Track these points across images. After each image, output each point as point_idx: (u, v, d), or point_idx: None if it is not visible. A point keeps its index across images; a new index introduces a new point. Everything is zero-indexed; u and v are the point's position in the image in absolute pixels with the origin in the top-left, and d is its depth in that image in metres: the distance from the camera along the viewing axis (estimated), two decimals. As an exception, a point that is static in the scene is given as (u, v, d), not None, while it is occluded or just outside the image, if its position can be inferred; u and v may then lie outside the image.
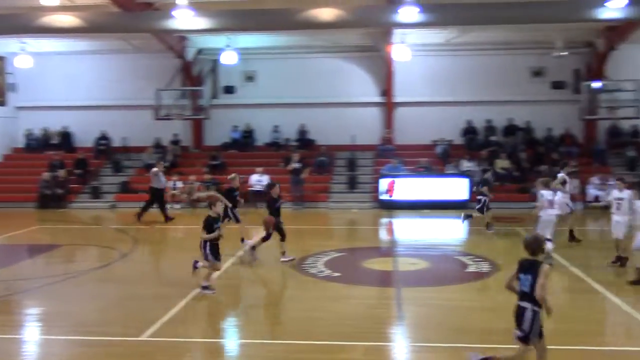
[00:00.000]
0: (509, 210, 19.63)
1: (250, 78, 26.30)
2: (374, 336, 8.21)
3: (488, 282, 11.19)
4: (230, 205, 13.83)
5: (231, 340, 8.64)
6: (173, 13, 19.50)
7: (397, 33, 23.00)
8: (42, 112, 26.61)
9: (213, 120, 25.81)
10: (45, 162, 24.71)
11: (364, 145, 25.01)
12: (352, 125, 25.16)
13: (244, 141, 25.98)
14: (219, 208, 10.48)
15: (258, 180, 22.30)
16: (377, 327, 8.67)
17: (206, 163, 24.56)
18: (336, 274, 11.66)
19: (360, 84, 25.81)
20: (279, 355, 7.66)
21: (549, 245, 12.42)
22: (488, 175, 17.97)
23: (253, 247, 12.64)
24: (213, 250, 10.12)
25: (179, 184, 22.92)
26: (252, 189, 21.88)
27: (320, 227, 18.87)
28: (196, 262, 10.49)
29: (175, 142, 25.94)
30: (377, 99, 25.73)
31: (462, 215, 17.03)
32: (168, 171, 22.18)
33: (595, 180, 21.90)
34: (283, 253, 12.53)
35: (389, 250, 14.87)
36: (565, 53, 23.00)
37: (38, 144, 26.70)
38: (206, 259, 10.16)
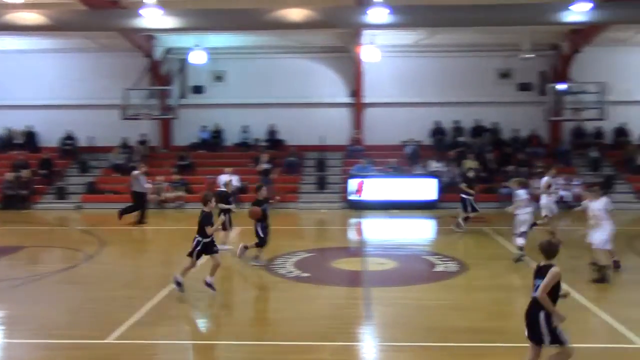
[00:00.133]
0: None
1: (219, 78, 26.15)
2: (342, 336, 8.23)
3: (455, 282, 11.29)
4: (228, 208, 13.83)
5: (197, 341, 8.57)
6: (141, 12, 19.26)
7: (367, 34, 23.10)
8: (5, 111, 26.01)
9: (181, 120, 25.58)
10: (9, 163, 24.22)
11: (334, 146, 25.07)
12: (321, 126, 25.20)
13: (213, 141, 25.81)
14: (213, 204, 10.30)
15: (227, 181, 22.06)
16: (345, 327, 8.69)
17: (174, 163, 24.33)
18: (305, 275, 11.67)
19: (329, 85, 25.85)
20: (245, 356, 7.64)
21: (520, 241, 12.61)
22: (471, 173, 17.96)
23: (245, 247, 12.52)
24: (202, 250, 9.95)
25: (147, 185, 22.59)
26: (220, 189, 21.62)
27: (289, 228, 18.80)
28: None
29: (142, 142, 25.62)
30: (347, 99, 25.82)
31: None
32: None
33: (559, 180, 22.24)
34: (256, 257, 12.43)
35: (357, 251, 14.90)
36: (532, 55, 23.30)
37: (1, 144, 26.13)
38: (190, 255, 10.01)
